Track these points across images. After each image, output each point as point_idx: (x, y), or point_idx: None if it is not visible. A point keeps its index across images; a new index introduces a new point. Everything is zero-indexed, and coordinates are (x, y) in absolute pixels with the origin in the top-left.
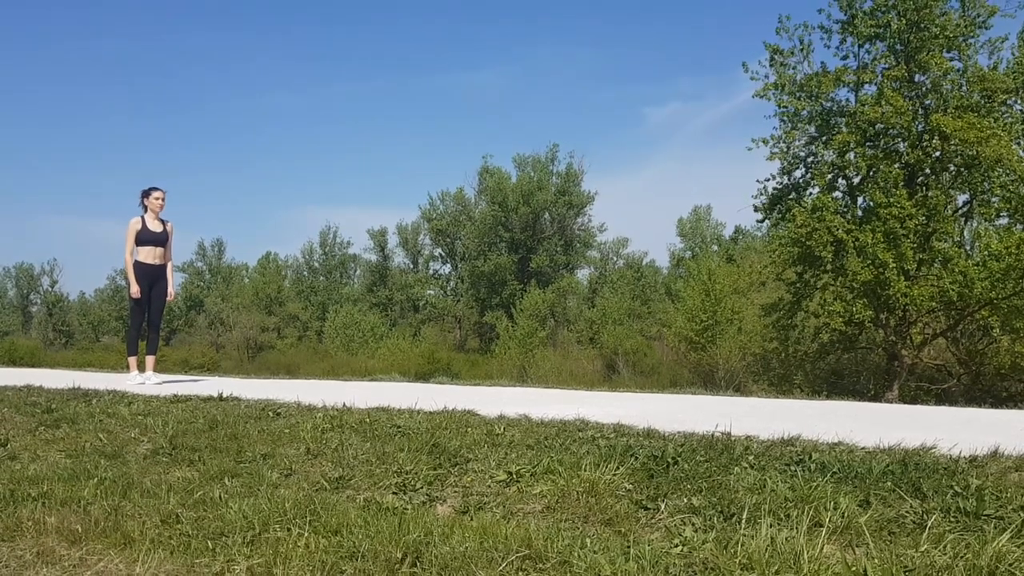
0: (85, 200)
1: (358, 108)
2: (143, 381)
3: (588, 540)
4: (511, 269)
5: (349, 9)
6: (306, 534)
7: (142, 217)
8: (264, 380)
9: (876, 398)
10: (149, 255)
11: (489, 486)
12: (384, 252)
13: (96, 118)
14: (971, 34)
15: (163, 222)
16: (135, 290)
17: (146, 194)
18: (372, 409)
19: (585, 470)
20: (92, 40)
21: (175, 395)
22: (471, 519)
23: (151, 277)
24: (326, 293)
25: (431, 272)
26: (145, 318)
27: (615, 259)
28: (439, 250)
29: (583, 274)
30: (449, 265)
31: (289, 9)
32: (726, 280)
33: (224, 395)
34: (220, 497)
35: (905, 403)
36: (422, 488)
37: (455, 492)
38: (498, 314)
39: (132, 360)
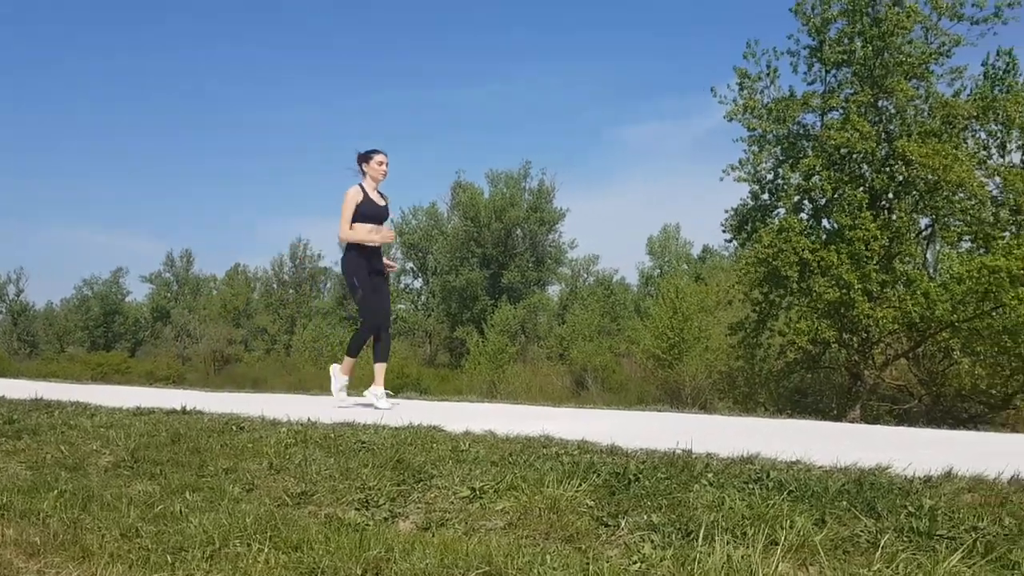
0: (51, 208)
1: (329, 120)
2: (376, 400)
3: (548, 557)
4: (482, 284)
5: (322, 21)
6: (266, 550)
7: (362, 186)
8: (230, 393)
9: (839, 417)
10: (372, 234)
11: (452, 502)
12: None
13: (61, 124)
14: (933, 62)
15: (383, 195)
16: (388, 234)
17: (365, 158)
18: (337, 424)
19: (548, 487)
20: (63, 40)
21: (138, 407)
22: (433, 535)
23: (374, 263)
24: (295, 306)
25: (402, 286)
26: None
27: (585, 276)
28: (411, 264)
29: (554, 290)
30: (420, 279)
31: (261, 20)
32: (694, 298)
33: (187, 408)
34: (181, 511)
35: (867, 423)
36: (385, 504)
37: (418, 508)
38: (469, 329)
39: (350, 363)
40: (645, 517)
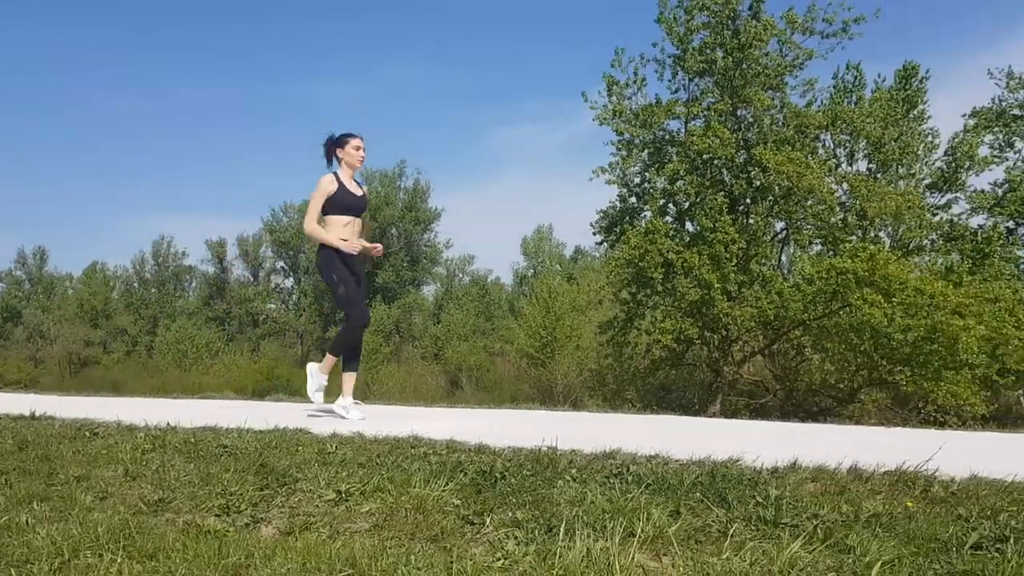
0: None
1: (196, 114)
2: (361, 414)
3: (413, 557)
4: None
5: (190, 11)
6: (119, 560)
7: (336, 175)
8: (86, 398)
9: (700, 412)
10: (347, 229)
11: (317, 505)
12: (223, 264)
13: None
14: (788, 74)
15: (359, 184)
16: (350, 246)
17: (339, 143)
18: (198, 428)
19: (415, 487)
20: None
21: None
22: (296, 540)
23: (352, 261)
24: (158, 306)
25: (272, 286)
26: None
27: (461, 276)
28: (281, 263)
29: (429, 290)
30: (292, 279)
31: (129, 5)
32: (566, 298)
33: (36, 414)
34: (27, 522)
35: (726, 417)
36: (247, 509)
37: (281, 513)
38: None
39: (331, 361)
40: (510, 514)
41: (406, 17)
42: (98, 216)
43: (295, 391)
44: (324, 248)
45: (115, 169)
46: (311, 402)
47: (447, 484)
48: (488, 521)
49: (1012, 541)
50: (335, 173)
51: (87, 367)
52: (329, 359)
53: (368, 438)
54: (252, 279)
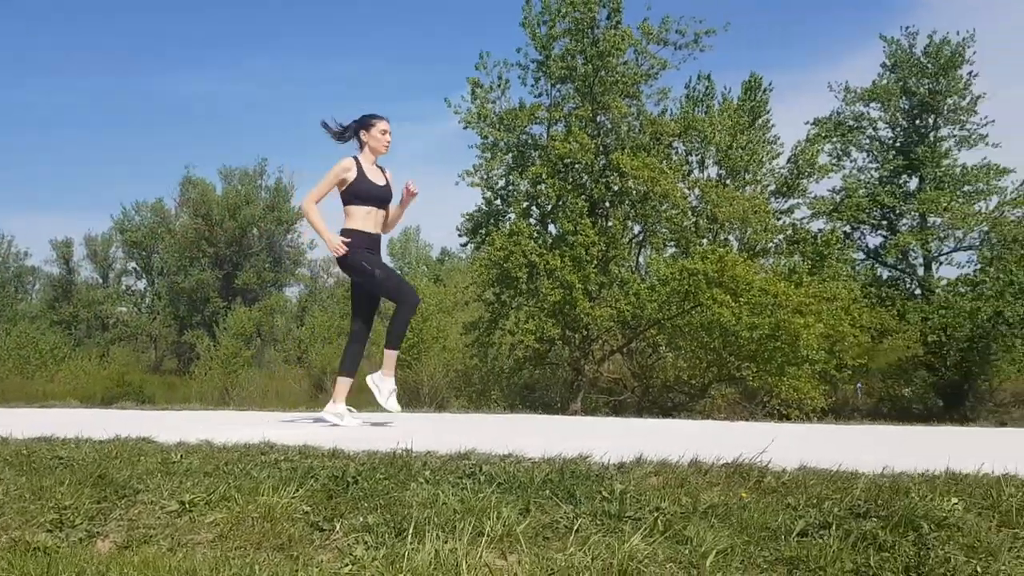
0: None
1: (43, 105)
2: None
3: (258, 567)
4: (214, 286)
5: None
6: None
7: (357, 159)
8: None
9: (563, 410)
10: (368, 220)
11: (158, 517)
12: (69, 265)
13: None
14: (643, 83)
15: (382, 170)
16: (336, 244)
17: (365, 125)
18: (32, 439)
19: (263, 495)
20: None
21: None
22: (133, 554)
23: (372, 253)
24: None
25: (124, 288)
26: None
27: (325, 277)
28: (133, 264)
29: (292, 292)
30: (145, 280)
31: None
32: (433, 299)
33: None
34: None
35: (587, 414)
36: (82, 524)
37: (119, 526)
38: (199, 333)
39: (344, 384)
40: (361, 519)
41: (272, 9)
42: None
43: (146, 399)
44: (344, 231)
45: None
46: (388, 411)
47: (297, 491)
48: (338, 527)
49: (834, 527)
50: (355, 157)
51: None
52: (390, 356)
53: (216, 446)
54: (101, 281)
